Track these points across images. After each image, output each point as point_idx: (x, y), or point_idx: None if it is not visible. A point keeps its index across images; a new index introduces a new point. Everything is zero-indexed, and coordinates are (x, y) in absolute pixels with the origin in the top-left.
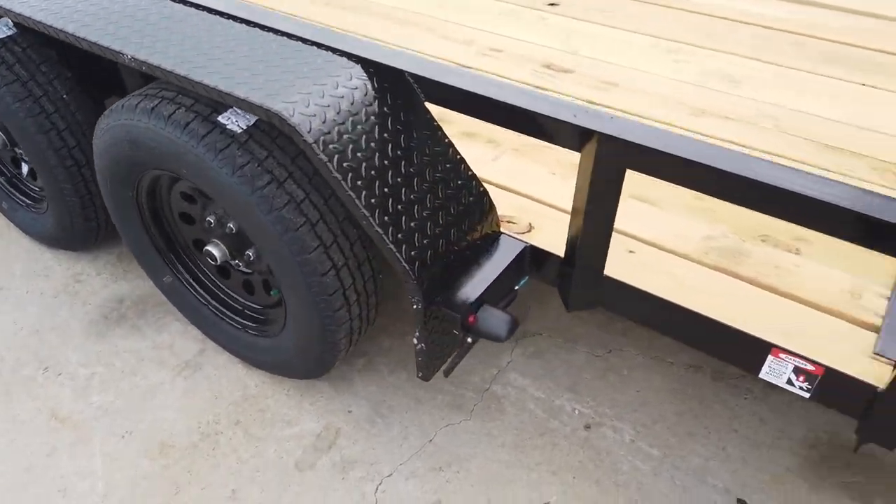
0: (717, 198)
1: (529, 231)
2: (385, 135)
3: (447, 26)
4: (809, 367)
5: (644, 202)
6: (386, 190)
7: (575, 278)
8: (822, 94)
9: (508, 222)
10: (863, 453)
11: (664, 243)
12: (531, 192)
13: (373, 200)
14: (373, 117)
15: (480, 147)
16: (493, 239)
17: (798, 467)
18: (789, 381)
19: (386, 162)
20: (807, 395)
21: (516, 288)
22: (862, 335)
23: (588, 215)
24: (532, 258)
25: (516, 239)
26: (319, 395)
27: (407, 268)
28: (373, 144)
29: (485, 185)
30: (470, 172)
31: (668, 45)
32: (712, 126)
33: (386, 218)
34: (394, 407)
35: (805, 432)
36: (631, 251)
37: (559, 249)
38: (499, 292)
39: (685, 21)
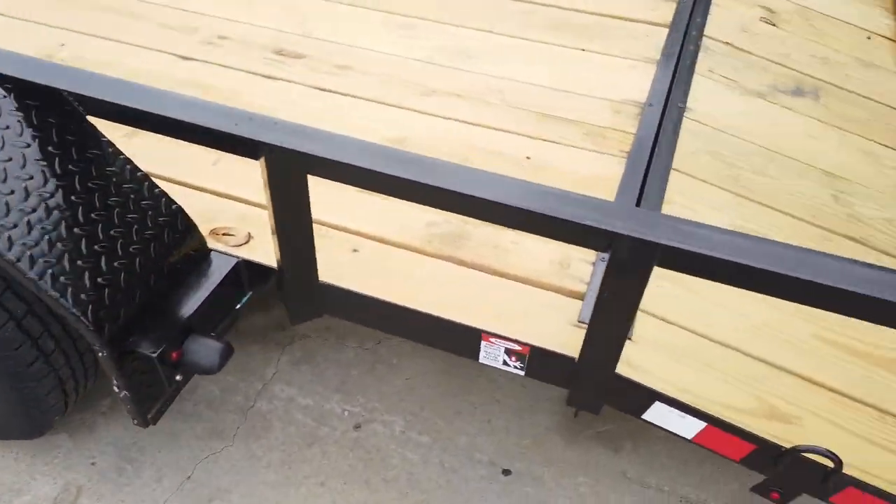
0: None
1: (248, 242)
2: (35, 160)
3: (165, 12)
4: (516, 347)
5: (372, 194)
6: (42, 228)
7: (289, 289)
8: (545, 62)
9: (225, 234)
10: None
11: (389, 236)
12: (254, 198)
13: (23, 243)
14: (14, 144)
15: (199, 150)
16: (197, 259)
17: (556, 426)
18: (505, 363)
19: (36, 192)
20: (522, 372)
21: (238, 307)
22: (570, 305)
23: (284, 223)
24: (252, 272)
25: (227, 254)
26: (57, 452)
27: (77, 314)
28: (16, 175)
29: (205, 192)
30: (157, 190)
31: (401, 21)
32: (442, 105)
33: (43, 262)
34: (145, 448)
35: (561, 391)
36: (355, 250)
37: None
38: (212, 317)
39: None
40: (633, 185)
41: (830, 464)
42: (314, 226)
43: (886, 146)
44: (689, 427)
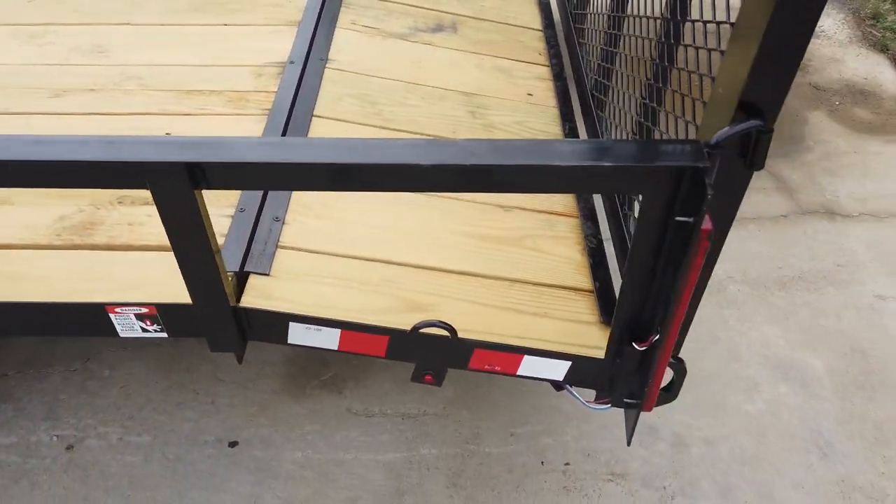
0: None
1: None
2: None
3: None
4: (143, 310)
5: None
6: None
7: None
8: (187, 44)
9: None
10: None
11: (12, 240)
12: None
13: None
14: None
15: None
16: None
17: (281, 387)
18: (143, 329)
19: None
20: (165, 335)
21: None
22: None
23: None
24: None
25: None
26: None
27: None
28: None
29: None
30: None
31: (32, 31)
32: (76, 103)
33: None
34: None
35: (282, 354)
36: None
37: None
38: None
39: (50, 3)
40: (275, 135)
41: (447, 333)
42: None
43: (518, 60)
44: (330, 338)
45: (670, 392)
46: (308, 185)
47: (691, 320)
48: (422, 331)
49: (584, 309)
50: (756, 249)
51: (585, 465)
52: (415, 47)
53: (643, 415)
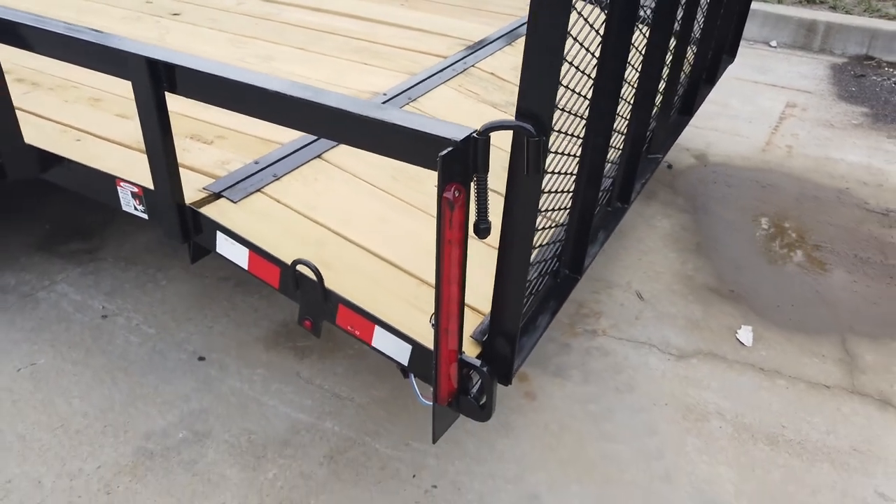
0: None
1: None
2: None
3: None
4: (135, 189)
5: None
6: None
7: None
8: (324, 67)
9: None
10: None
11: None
12: None
13: None
14: None
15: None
16: None
17: (264, 336)
18: (135, 208)
19: None
20: (146, 216)
21: None
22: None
23: None
24: None
25: None
26: None
27: None
28: None
29: None
30: None
31: (237, 40)
32: None
33: None
34: None
35: (285, 316)
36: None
37: None
38: None
39: (263, 25)
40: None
41: (314, 277)
42: None
43: None
44: (241, 255)
45: (483, 407)
46: (227, 101)
47: (462, 313)
48: (298, 268)
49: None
50: (769, 402)
51: (449, 495)
52: (498, 113)
53: None
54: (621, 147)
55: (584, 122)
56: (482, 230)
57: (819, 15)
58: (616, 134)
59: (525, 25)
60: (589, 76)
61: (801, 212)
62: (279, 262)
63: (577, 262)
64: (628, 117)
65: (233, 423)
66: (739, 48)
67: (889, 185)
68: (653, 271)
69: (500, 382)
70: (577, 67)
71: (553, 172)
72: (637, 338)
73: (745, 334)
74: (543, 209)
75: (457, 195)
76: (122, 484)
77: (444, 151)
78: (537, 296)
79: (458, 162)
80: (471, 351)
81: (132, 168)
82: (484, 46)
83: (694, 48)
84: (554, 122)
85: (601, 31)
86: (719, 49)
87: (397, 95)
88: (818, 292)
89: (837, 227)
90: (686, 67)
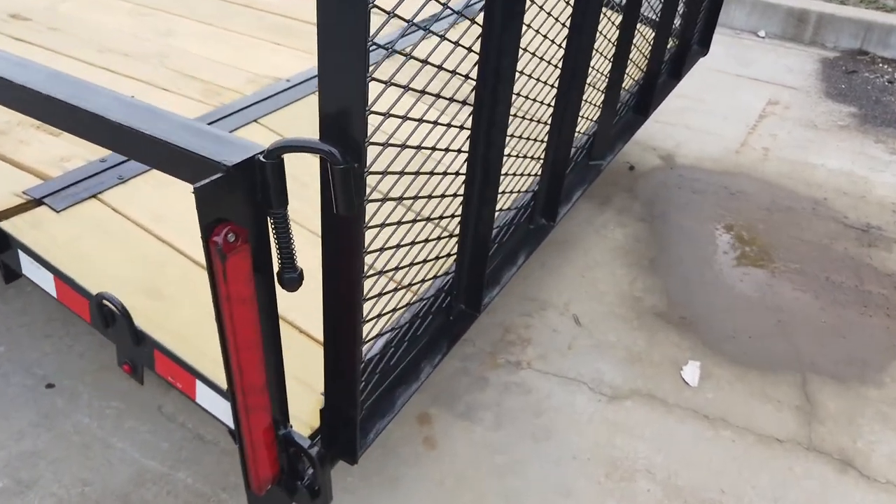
0: None
1: None
2: None
3: None
4: None
5: None
6: None
7: None
8: (228, 45)
9: None
10: None
11: None
12: None
13: None
14: None
15: None
16: None
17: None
18: None
19: None
20: None
21: None
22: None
23: None
24: None
25: None
26: None
27: None
28: None
29: None
30: None
31: (138, 10)
32: (116, 62)
33: None
34: None
35: None
36: None
37: None
38: None
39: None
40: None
41: (117, 311)
42: None
43: None
44: (46, 281)
45: (317, 495)
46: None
47: (278, 384)
48: (104, 302)
49: None
50: (709, 458)
51: None
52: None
53: None
54: (543, 155)
55: (458, 129)
56: (287, 280)
57: (811, 4)
58: (532, 140)
59: None
60: (458, 73)
61: (770, 225)
62: (87, 294)
63: (473, 297)
64: (549, 121)
65: (67, 470)
66: (724, 37)
67: (872, 196)
68: (596, 290)
69: (348, 462)
70: (421, 59)
71: (403, 199)
72: (566, 372)
73: (691, 371)
74: (392, 245)
75: (231, 240)
76: None
77: (202, 183)
78: (414, 340)
79: (232, 194)
80: (312, 415)
81: None
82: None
83: (650, 37)
84: (390, 134)
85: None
86: (686, 39)
87: (303, 82)
88: (780, 322)
89: (809, 245)
90: (640, 60)
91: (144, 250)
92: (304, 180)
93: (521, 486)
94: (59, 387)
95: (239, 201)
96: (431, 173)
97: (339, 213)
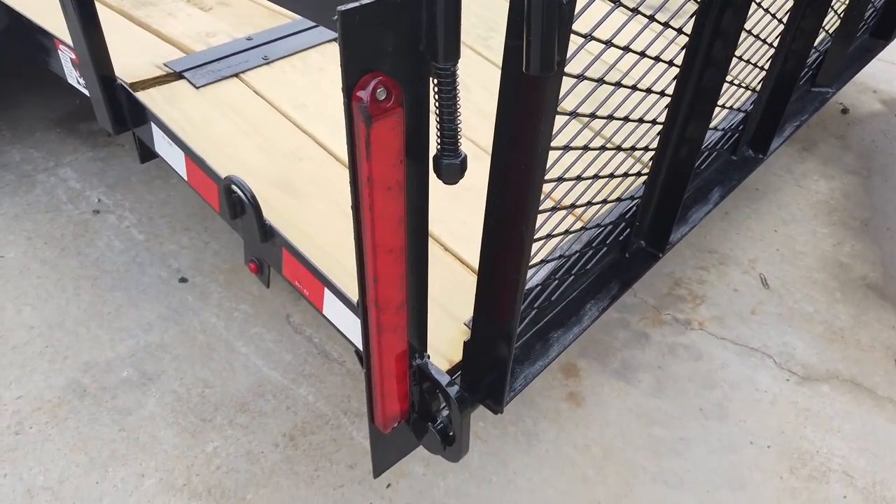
0: None
1: None
2: None
3: None
4: (73, 56)
5: None
6: None
7: None
8: None
9: None
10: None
11: None
12: None
13: None
14: None
15: None
16: None
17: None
18: (77, 80)
19: None
20: (86, 91)
21: None
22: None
23: None
24: None
25: None
26: None
27: None
28: None
29: None
30: None
31: None
32: None
33: None
34: None
35: None
36: None
37: None
38: None
39: None
40: None
41: (247, 201)
42: None
43: None
44: (178, 161)
45: (450, 443)
46: None
47: (421, 301)
48: (233, 187)
49: None
50: None
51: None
52: None
53: None
54: (765, 70)
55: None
56: (447, 168)
57: None
58: (756, 51)
59: None
60: None
61: None
62: (217, 178)
63: (658, 234)
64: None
65: (190, 369)
66: None
67: None
68: (790, 250)
69: (490, 409)
70: None
71: (603, 82)
72: (747, 341)
73: None
74: (572, 145)
75: (380, 97)
76: (36, 424)
77: (349, 6)
78: (581, 275)
79: (387, 34)
80: (454, 348)
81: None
82: None
83: None
84: None
85: None
86: None
87: None
88: None
89: None
90: None
91: (281, 139)
92: (466, 83)
93: (683, 470)
94: (191, 282)
95: (396, 45)
96: (634, 88)
97: (529, 71)
